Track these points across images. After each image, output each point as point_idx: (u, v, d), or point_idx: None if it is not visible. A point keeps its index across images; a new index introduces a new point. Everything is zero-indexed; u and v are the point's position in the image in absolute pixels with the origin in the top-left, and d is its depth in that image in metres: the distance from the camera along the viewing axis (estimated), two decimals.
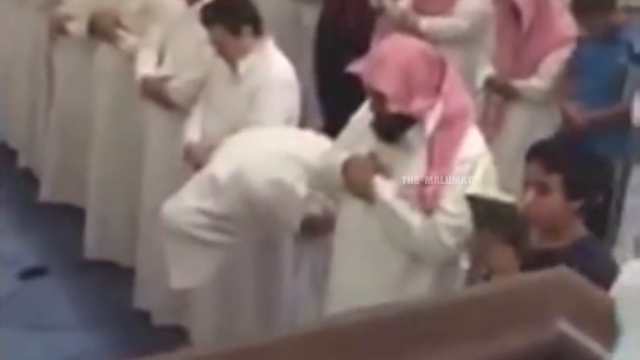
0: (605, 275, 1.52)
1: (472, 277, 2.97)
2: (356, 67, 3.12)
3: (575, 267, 1.44)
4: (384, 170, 3.17)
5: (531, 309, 1.39)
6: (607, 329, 1.35)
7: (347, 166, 3.23)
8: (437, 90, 3.08)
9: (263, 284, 4.06)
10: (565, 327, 1.35)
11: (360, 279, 3.19)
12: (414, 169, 3.11)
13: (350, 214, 3.24)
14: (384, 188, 3.15)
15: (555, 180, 2.84)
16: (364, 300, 2.93)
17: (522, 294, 1.46)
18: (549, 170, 2.84)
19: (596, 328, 1.36)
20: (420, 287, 3.15)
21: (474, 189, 3.02)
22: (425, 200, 3.09)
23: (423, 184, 3.09)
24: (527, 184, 2.90)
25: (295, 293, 4.06)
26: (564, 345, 1.36)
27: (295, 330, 1.48)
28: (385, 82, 3.04)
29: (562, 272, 1.46)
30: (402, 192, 3.12)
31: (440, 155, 3.08)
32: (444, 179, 3.07)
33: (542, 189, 2.85)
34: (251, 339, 1.62)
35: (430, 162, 3.09)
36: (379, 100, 3.08)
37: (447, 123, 3.08)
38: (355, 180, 3.20)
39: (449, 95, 3.09)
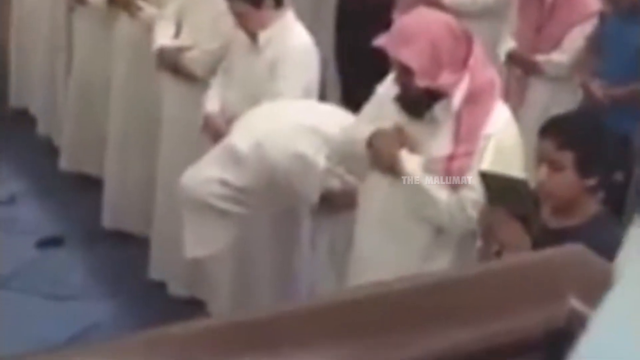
0: (616, 252, 1.49)
1: (483, 254, 2.95)
2: (382, 41, 3.10)
3: (587, 245, 1.42)
4: (410, 144, 3.16)
5: (543, 285, 1.38)
6: None
7: (373, 139, 3.21)
8: (463, 64, 3.07)
9: (280, 256, 4.06)
10: (576, 303, 1.34)
11: (384, 253, 3.19)
12: (439, 144, 3.10)
13: (375, 188, 3.24)
14: (411, 162, 3.14)
15: (568, 157, 2.81)
16: (386, 274, 2.94)
17: (535, 270, 1.46)
18: (561, 147, 2.81)
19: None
20: (442, 262, 3.15)
21: (486, 165, 3.01)
22: (452, 174, 3.08)
23: (449, 158, 3.08)
24: (540, 160, 2.87)
25: (312, 267, 4.06)
26: (575, 321, 1.35)
27: (310, 302, 1.47)
28: (413, 57, 3.02)
29: (575, 248, 1.45)
30: (428, 167, 3.12)
31: (466, 130, 3.07)
32: (470, 154, 3.06)
33: (555, 166, 2.82)
34: (265, 310, 1.61)
35: (457, 137, 3.08)
36: (406, 74, 3.06)
37: (474, 97, 3.07)
38: (382, 154, 3.18)
39: (475, 70, 3.07)
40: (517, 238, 2.77)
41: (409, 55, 3.03)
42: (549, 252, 1.47)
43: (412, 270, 3.06)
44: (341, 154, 3.44)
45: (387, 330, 1.38)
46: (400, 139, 3.16)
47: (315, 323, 1.37)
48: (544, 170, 2.83)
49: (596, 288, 1.39)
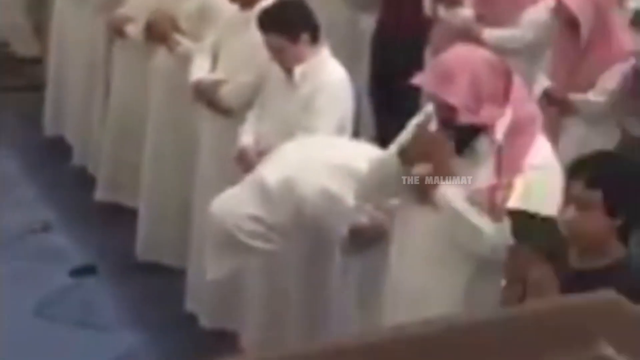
0: None
1: (508, 294, 2.92)
2: (419, 79, 3.12)
3: (613, 287, 1.42)
4: (452, 176, 3.15)
5: (574, 331, 1.36)
6: None
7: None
8: (504, 98, 3.09)
9: (311, 290, 4.05)
10: (608, 351, 1.33)
11: (426, 287, 3.19)
12: (481, 176, 3.12)
13: (415, 221, 3.23)
14: (453, 193, 3.14)
15: (596, 196, 2.78)
16: (429, 308, 2.93)
17: (565, 316, 1.44)
18: (590, 185, 2.78)
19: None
20: (486, 296, 3.12)
21: (515, 202, 3.00)
22: (495, 205, 3.08)
23: (492, 189, 3.09)
24: (567, 200, 2.85)
25: (342, 302, 4.05)
26: None
27: (342, 341, 1.47)
28: (454, 94, 3.04)
29: (607, 294, 1.44)
30: (471, 198, 3.12)
31: (509, 162, 3.08)
32: (512, 185, 3.06)
33: (583, 205, 2.79)
34: (294, 349, 1.61)
35: (499, 169, 3.09)
36: (448, 111, 3.08)
37: (516, 130, 3.09)
38: (423, 185, 3.16)
39: (516, 103, 3.10)
40: (543, 279, 2.74)
41: (450, 93, 3.05)
42: (581, 298, 1.46)
43: (456, 304, 3.07)
44: (372, 188, 3.42)
45: None
46: (443, 170, 3.16)
47: None
48: (571, 209, 2.81)
49: (629, 335, 1.38)
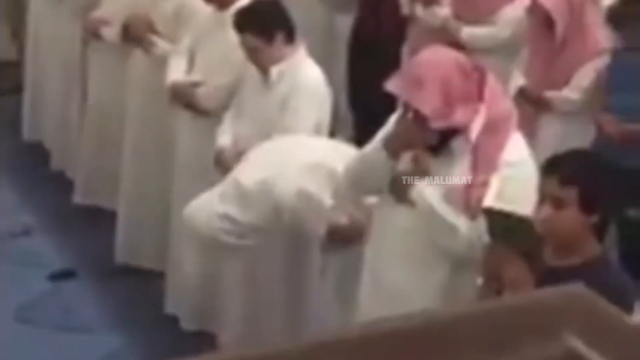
0: (618, 294, 1.50)
1: (484, 292, 2.94)
2: (392, 86, 3.14)
3: (588, 285, 1.43)
4: (427, 175, 3.18)
5: (541, 325, 1.38)
6: (618, 347, 1.34)
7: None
8: (478, 97, 3.11)
9: (290, 289, 4.06)
10: (576, 343, 1.34)
11: (403, 284, 3.20)
12: (457, 174, 3.14)
13: (392, 219, 3.25)
14: (429, 192, 3.15)
15: (571, 194, 2.80)
16: (406, 305, 2.96)
17: (533, 310, 1.46)
18: (565, 183, 2.80)
19: (608, 346, 1.35)
20: (464, 293, 3.14)
21: (491, 201, 3.01)
22: (471, 204, 3.10)
23: (467, 187, 3.11)
24: (542, 198, 2.86)
25: (321, 300, 4.06)
26: None
27: (319, 337, 1.48)
28: (425, 101, 3.06)
29: (576, 288, 1.45)
30: (447, 197, 3.14)
31: (484, 160, 3.10)
32: (487, 182, 3.09)
33: (558, 203, 2.81)
34: (272, 345, 1.62)
35: (475, 167, 3.11)
36: (420, 117, 3.09)
37: (491, 128, 3.11)
38: (399, 185, 3.17)
39: (491, 101, 3.11)
40: (519, 277, 2.75)
41: (420, 100, 3.06)
42: (549, 292, 1.48)
43: (433, 301, 3.09)
44: (353, 179, 3.43)
45: None
46: (419, 169, 3.18)
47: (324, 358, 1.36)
48: (546, 208, 2.82)
49: (597, 329, 1.39)
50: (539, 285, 2.71)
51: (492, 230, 2.86)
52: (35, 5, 6.13)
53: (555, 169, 2.86)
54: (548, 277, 2.65)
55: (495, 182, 3.10)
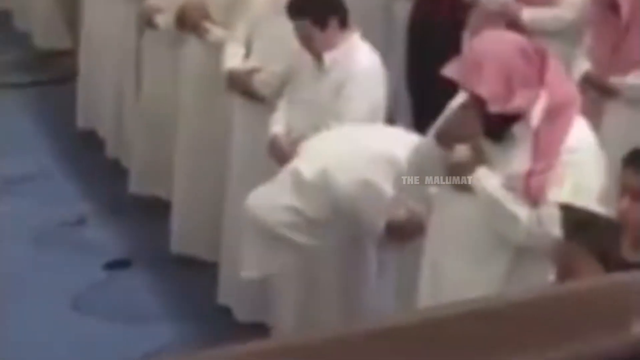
0: None
1: None
2: (450, 71, 3.08)
3: None
4: (488, 162, 3.12)
5: (608, 311, 1.36)
6: None
7: (450, 157, 3.16)
8: (540, 81, 3.04)
9: (346, 284, 4.03)
10: None
11: (463, 273, 3.15)
12: (518, 161, 3.07)
13: (452, 208, 3.20)
14: (489, 179, 3.10)
15: None
16: (466, 295, 2.89)
17: (603, 296, 1.43)
18: None
19: None
20: (526, 284, 3.08)
21: (566, 197, 2.93)
22: (531, 191, 3.05)
23: (528, 174, 3.04)
24: (623, 190, 2.81)
25: (378, 295, 4.01)
26: None
27: (380, 322, 1.46)
28: (484, 85, 3.00)
29: None
30: (507, 184, 3.08)
31: (546, 146, 3.04)
32: (549, 170, 3.03)
33: (638, 195, 2.76)
34: (324, 331, 1.60)
35: (536, 153, 3.05)
36: (479, 101, 3.03)
37: (554, 113, 3.04)
38: (459, 172, 3.12)
39: (553, 86, 3.05)
40: (593, 275, 2.67)
41: (479, 84, 3.00)
42: (617, 277, 1.43)
43: (494, 291, 3.03)
44: (413, 171, 3.37)
45: (458, 353, 1.37)
46: (478, 157, 3.12)
47: (377, 345, 1.34)
48: (626, 200, 2.78)
49: None
50: None
51: (567, 227, 2.79)
52: None
53: (636, 160, 2.82)
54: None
55: (558, 169, 3.02)
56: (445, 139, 3.14)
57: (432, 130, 3.26)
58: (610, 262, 2.69)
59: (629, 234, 2.78)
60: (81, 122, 6.32)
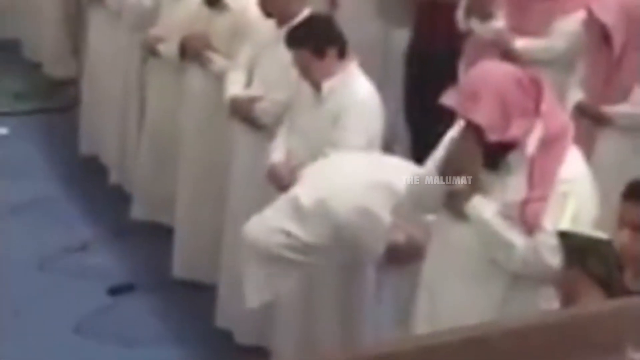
0: None
1: None
2: (448, 100, 3.13)
3: None
4: (484, 191, 3.16)
5: (603, 336, 1.37)
6: None
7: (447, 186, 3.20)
8: (535, 111, 3.09)
9: (345, 308, 4.05)
10: (636, 356, 1.33)
11: (460, 299, 3.18)
12: (514, 190, 3.11)
13: (448, 235, 3.23)
14: (485, 207, 3.14)
15: None
16: (462, 320, 2.91)
17: (598, 323, 1.45)
18: None
19: None
20: (522, 309, 3.11)
21: (566, 224, 2.97)
22: (527, 219, 3.08)
23: (524, 203, 3.08)
24: (622, 223, 2.83)
25: (377, 319, 4.05)
26: None
27: (377, 348, 1.49)
28: (481, 114, 3.04)
29: (636, 301, 1.44)
30: (503, 212, 3.12)
31: (541, 175, 3.08)
32: (544, 198, 3.06)
33: (638, 229, 2.78)
34: (330, 355, 1.63)
35: (531, 182, 3.08)
36: (477, 131, 3.07)
37: (548, 143, 3.09)
38: (455, 200, 3.16)
39: (548, 116, 3.10)
40: (596, 301, 2.66)
41: (476, 113, 3.04)
42: (611, 305, 1.46)
43: (490, 318, 3.05)
44: (411, 200, 3.42)
45: None
46: (474, 185, 3.16)
47: None
48: (626, 233, 2.79)
49: None
50: None
51: (568, 253, 2.82)
52: (94, 21, 6.22)
53: (635, 194, 2.83)
54: None
55: (553, 198, 3.06)
56: (448, 171, 3.17)
57: (430, 159, 3.30)
58: (613, 287, 2.70)
59: (630, 266, 2.79)
60: (84, 149, 6.38)
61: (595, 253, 2.75)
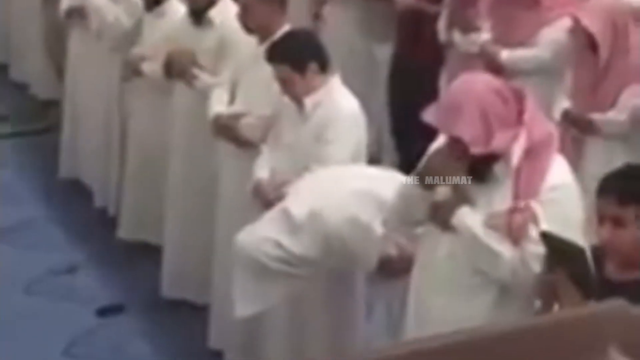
0: None
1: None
2: (429, 115, 3.12)
3: None
4: (470, 201, 3.15)
5: (584, 339, 1.37)
6: None
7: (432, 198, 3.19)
8: (518, 122, 3.08)
9: (335, 321, 4.04)
10: (618, 357, 1.32)
11: (448, 311, 3.17)
12: (500, 200, 3.10)
13: (435, 246, 3.23)
14: (471, 218, 3.13)
15: (630, 212, 2.82)
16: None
17: (580, 325, 1.45)
18: (623, 202, 2.83)
19: None
20: (510, 319, 3.08)
21: (546, 226, 2.98)
22: (514, 229, 3.07)
23: (510, 212, 3.07)
24: (601, 219, 2.86)
25: (368, 332, 4.03)
26: None
27: (374, 352, 1.48)
28: (462, 128, 3.03)
29: (620, 304, 1.43)
30: (489, 222, 3.11)
31: (526, 185, 3.08)
32: (530, 208, 3.05)
33: (618, 222, 2.83)
34: None
35: (517, 192, 3.08)
36: (459, 145, 3.07)
37: (533, 152, 3.09)
38: (441, 212, 3.16)
39: (531, 125, 3.09)
40: (574, 302, 2.74)
41: (458, 127, 3.04)
42: (591, 307, 1.46)
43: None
44: (397, 213, 3.41)
45: None
46: (460, 196, 3.15)
47: None
48: (606, 228, 2.84)
49: (638, 341, 1.37)
50: (601, 300, 2.70)
51: (549, 254, 2.86)
52: (74, 42, 6.19)
53: (612, 187, 2.88)
54: (611, 292, 2.62)
55: (538, 207, 3.06)
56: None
57: (414, 171, 3.30)
58: (590, 288, 2.76)
59: (612, 258, 2.87)
60: (63, 172, 6.32)
61: (572, 257, 2.82)
